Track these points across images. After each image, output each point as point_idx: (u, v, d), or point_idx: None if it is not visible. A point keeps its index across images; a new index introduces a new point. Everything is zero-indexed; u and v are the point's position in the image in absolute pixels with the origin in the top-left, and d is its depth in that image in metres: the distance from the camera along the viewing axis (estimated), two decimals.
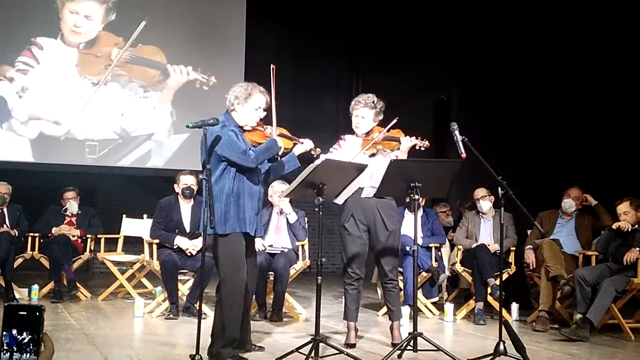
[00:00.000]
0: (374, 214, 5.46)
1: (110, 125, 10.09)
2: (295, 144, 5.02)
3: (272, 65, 4.99)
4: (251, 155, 4.72)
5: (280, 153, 4.94)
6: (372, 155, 5.42)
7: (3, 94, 9.67)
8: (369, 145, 5.34)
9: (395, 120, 5.35)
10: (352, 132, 5.59)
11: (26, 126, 9.74)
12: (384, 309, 7.12)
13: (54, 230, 7.85)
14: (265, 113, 4.90)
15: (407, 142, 5.32)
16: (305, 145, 5.01)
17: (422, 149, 5.34)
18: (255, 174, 4.86)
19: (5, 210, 7.90)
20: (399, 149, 5.36)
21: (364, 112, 5.46)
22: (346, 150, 5.45)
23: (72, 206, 8.01)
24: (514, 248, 7.36)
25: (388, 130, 5.37)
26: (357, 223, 5.46)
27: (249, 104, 4.81)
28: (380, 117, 5.54)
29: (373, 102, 5.47)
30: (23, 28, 9.77)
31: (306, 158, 5.04)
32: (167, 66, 10.37)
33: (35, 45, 9.81)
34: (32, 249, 7.97)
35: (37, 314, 1.87)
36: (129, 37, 10.19)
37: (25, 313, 1.87)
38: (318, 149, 5.07)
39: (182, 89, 10.40)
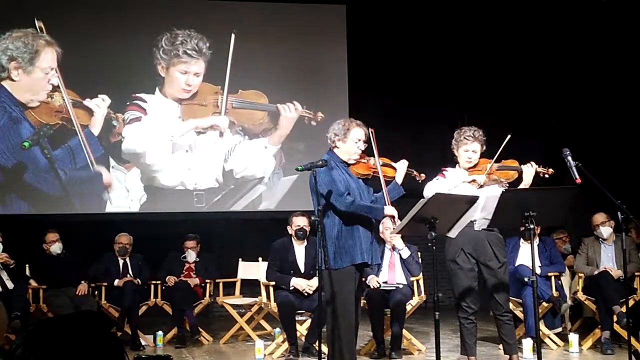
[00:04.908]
0: (484, 246, 5.39)
1: (221, 172, 10.34)
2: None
3: (370, 128, 5.12)
4: (348, 199, 4.86)
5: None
6: (481, 186, 5.36)
7: (116, 148, 10.09)
8: (484, 176, 5.28)
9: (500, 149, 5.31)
10: (452, 166, 5.56)
11: (141, 178, 10.11)
12: None
13: (167, 279, 8.11)
14: (366, 145, 5.04)
15: (531, 169, 5.25)
16: (402, 167, 5.11)
17: (546, 176, 5.25)
18: None
19: (127, 260, 8.24)
20: (515, 178, 5.29)
21: (476, 146, 5.43)
22: (452, 181, 5.42)
23: (190, 255, 8.27)
24: (639, 273, 7.07)
25: (499, 160, 5.32)
26: (468, 257, 5.40)
27: (349, 139, 5.01)
28: (484, 149, 5.51)
29: (481, 134, 5.45)
30: (125, 87, 10.14)
31: (415, 191, 5.08)
32: (275, 106, 10.56)
33: (140, 100, 10.18)
34: (155, 296, 8.24)
35: None
36: (224, 81, 10.40)
37: None
38: (423, 175, 5.12)
39: (292, 127, 10.54)
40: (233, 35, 10.30)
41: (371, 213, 4.95)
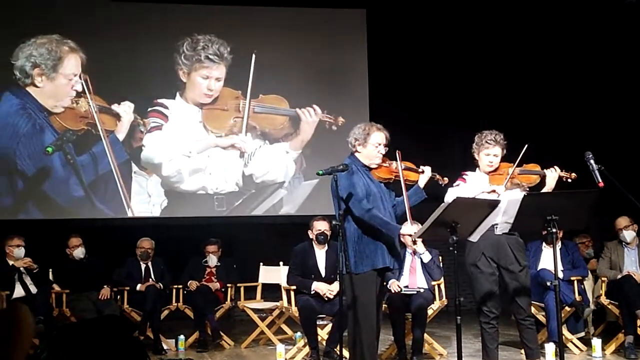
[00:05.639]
0: (505, 250, 5.37)
1: (242, 176, 10.37)
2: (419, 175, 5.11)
3: (397, 150, 5.11)
4: (365, 206, 4.85)
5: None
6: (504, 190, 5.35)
7: (138, 153, 10.14)
8: (503, 186, 5.26)
9: (523, 151, 5.28)
10: (473, 170, 5.55)
11: (162, 183, 10.16)
12: None
13: (189, 284, 8.14)
14: (387, 149, 5.06)
15: (554, 173, 5.22)
16: (426, 174, 5.09)
17: (569, 180, 5.22)
18: (385, 209, 4.95)
19: (149, 264, 8.29)
20: (538, 183, 5.26)
21: (497, 150, 5.42)
22: (473, 186, 5.40)
23: (212, 260, 8.32)
24: None
25: (521, 164, 5.29)
26: (489, 261, 5.39)
27: (369, 143, 5.02)
28: (505, 153, 5.49)
29: (502, 138, 5.43)
30: (147, 93, 10.19)
31: (437, 195, 5.07)
32: (295, 110, 10.59)
33: (161, 106, 10.23)
34: (177, 300, 8.28)
35: None
36: (246, 90, 10.45)
37: None
38: (446, 179, 5.10)
39: (313, 132, 10.55)
40: (254, 56, 10.36)
41: (386, 228, 4.88)
